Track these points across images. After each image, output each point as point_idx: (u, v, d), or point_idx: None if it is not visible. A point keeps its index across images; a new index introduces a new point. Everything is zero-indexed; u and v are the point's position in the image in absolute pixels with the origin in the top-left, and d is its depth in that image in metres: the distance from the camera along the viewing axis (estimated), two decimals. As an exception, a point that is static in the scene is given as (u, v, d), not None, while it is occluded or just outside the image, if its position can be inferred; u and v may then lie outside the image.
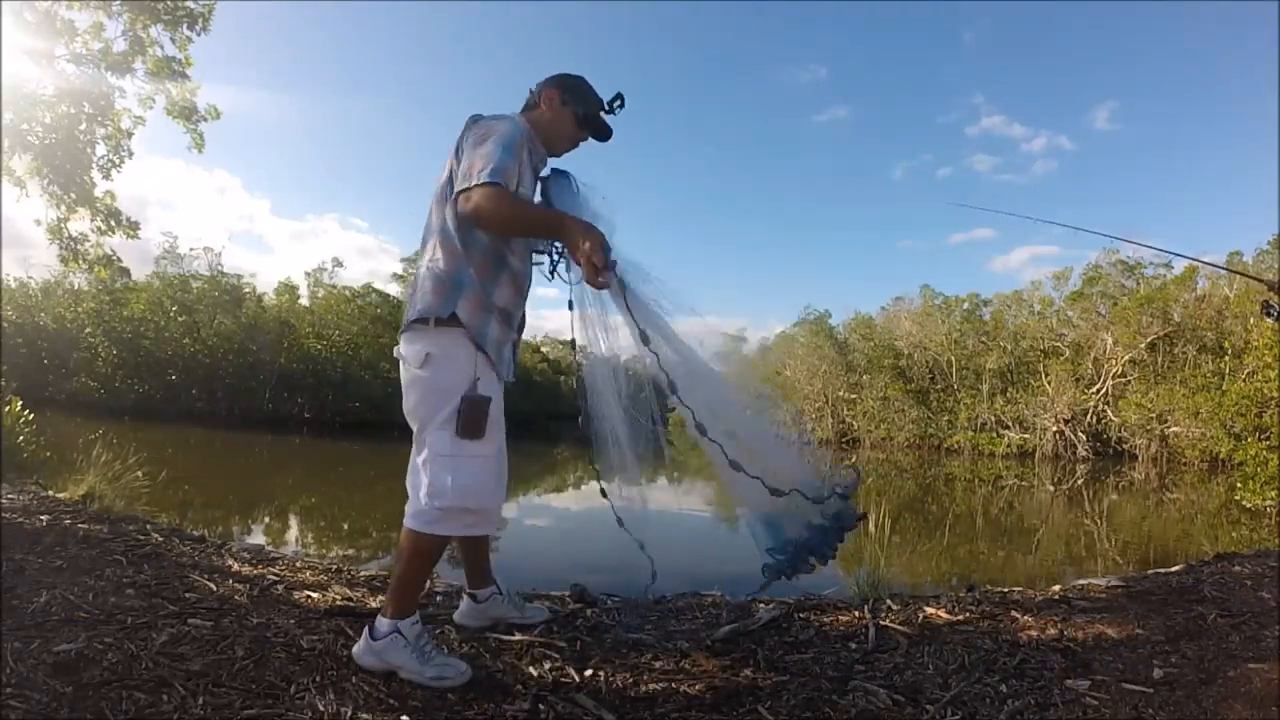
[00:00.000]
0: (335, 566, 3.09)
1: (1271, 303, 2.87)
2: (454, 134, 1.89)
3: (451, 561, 5.67)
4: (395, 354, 1.88)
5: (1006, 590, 3.11)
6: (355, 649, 1.78)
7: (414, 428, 1.82)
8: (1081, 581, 3.37)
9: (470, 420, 1.72)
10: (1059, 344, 24.87)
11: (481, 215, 1.71)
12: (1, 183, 6.79)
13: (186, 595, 2.25)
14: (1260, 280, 3.47)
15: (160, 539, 3.11)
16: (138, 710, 1.43)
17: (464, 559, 2.16)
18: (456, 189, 1.74)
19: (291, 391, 23.25)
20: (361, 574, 2.92)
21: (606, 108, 2.02)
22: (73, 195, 7.21)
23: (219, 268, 25.08)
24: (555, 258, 2.01)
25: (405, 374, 1.81)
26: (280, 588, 2.50)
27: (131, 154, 7.48)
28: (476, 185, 1.68)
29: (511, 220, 1.78)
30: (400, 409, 1.84)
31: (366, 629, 1.76)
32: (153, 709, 1.44)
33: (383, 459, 14.49)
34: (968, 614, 2.50)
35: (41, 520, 3.14)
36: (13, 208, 7.65)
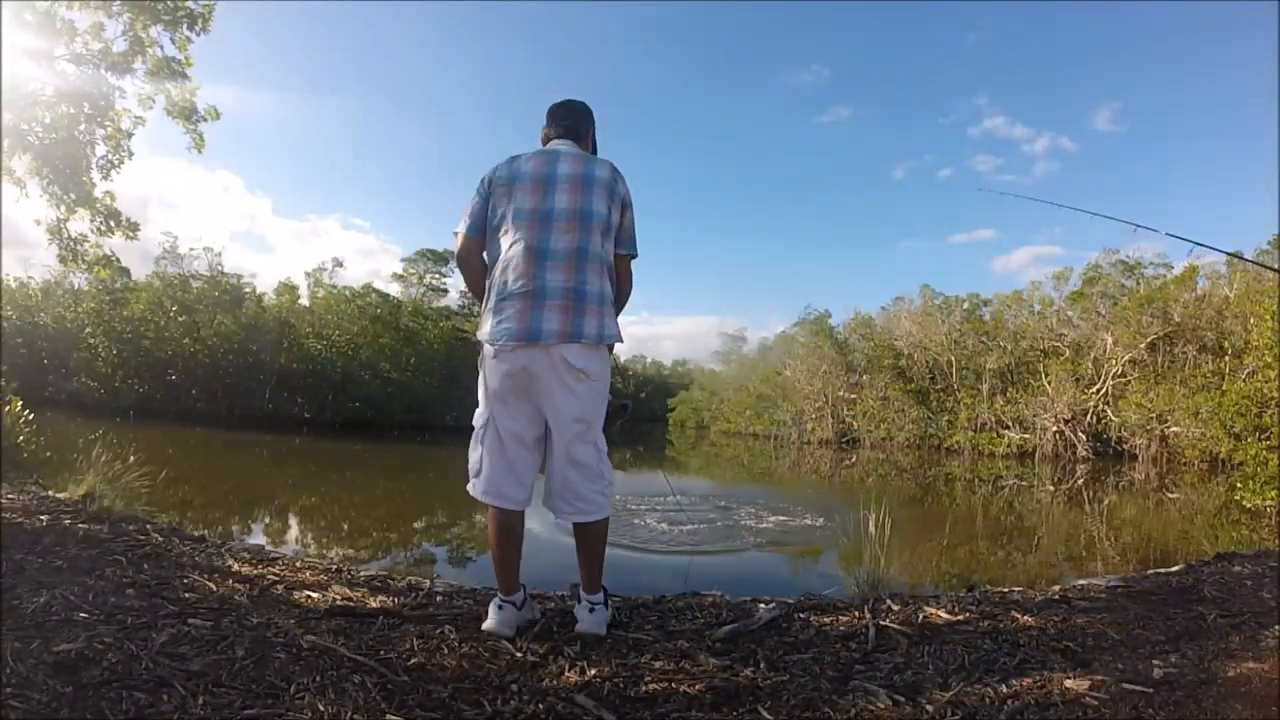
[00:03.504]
0: (335, 566, 3.10)
1: None
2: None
3: (451, 562, 5.66)
4: (565, 359, 2.04)
5: (1006, 590, 3.11)
6: (590, 625, 2.14)
7: (575, 433, 2.10)
8: (1081, 581, 3.37)
9: (612, 419, 2.24)
10: (1059, 344, 24.82)
11: (629, 284, 2.29)
12: (1, 183, 6.78)
13: (186, 595, 2.25)
14: (1272, 269, 3.39)
15: (160, 539, 3.11)
16: (138, 710, 1.43)
17: (509, 555, 2.26)
18: (633, 251, 2.25)
19: (291, 391, 23.23)
20: (361, 574, 2.92)
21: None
22: (72, 195, 7.21)
23: (219, 268, 25.10)
24: None
25: (585, 385, 2.08)
26: (280, 588, 2.50)
27: (132, 154, 7.49)
28: (635, 258, 2.27)
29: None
30: (398, 409, 1.90)
31: (595, 606, 2.17)
32: (153, 709, 1.44)
33: (383, 459, 14.48)
34: (968, 614, 2.50)
35: (41, 520, 3.14)
36: (13, 208, 7.64)
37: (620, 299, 2.25)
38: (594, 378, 2.08)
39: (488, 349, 2.11)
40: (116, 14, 7.08)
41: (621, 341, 2.19)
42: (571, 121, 2.32)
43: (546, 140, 2.32)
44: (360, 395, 23.06)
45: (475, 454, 2.18)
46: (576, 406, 2.07)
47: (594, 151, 2.39)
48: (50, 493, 4.12)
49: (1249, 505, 8.68)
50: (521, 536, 2.21)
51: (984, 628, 2.34)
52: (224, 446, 14.76)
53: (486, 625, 2.11)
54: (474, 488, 2.18)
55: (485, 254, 2.23)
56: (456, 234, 2.25)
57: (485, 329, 2.12)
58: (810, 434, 29.68)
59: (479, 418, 2.19)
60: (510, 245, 2.11)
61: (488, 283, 2.17)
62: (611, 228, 2.15)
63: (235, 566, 2.80)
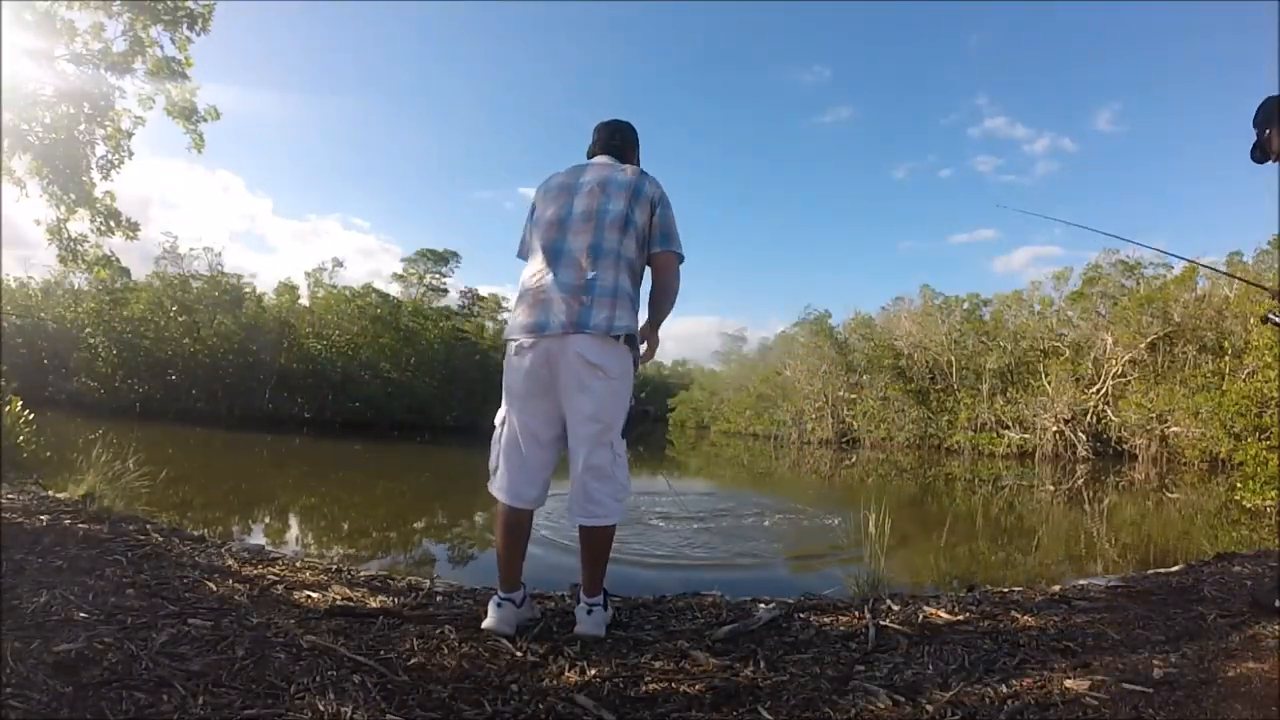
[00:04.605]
0: (335, 566, 3.10)
1: (1273, 314, 2.77)
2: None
3: (451, 562, 5.66)
4: (580, 354, 2.04)
5: (1006, 590, 3.11)
6: (588, 627, 2.10)
7: (590, 432, 2.08)
8: (1081, 581, 3.37)
9: (634, 424, 2.19)
10: (1059, 344, 24.79)
11: (673, 280, 2.26)
12: (1, 183, 6.78)
13: (186, 595, 2.25)
14: (1263, 288, 3.38)
15: (160, 539, 3.11)
16: (138, 710, 1.43)
17: (515, 553, 2.22)
18: (670, 246, 2.22)
19: (291, 391, 23.21)
20: (361, 574, 2.92)
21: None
22: (72, 195, 7.21)
23: (219, 268, 25.09)
24: None
25: (602, 384, 2.06)
26: (280, 588, 2.50)
27: (132, 154, 7.48)
28: (680, 254, 2.25)
29: (676, 296, 2.28)
30: (399, 409, 1.90)
31: (593, 608, 2.13)
32: (153, 709, 1.44)
33: (383, 459, 14.48)
34: (968, 614, 2.50)
35: (41, 520, 3.14)
36: (13, 208, 7.64)
37: (664, 296, 2.25)
38: (612, 376, 2.08)
39: (509, 345, 2.18)
40: (116, 14, 7.07)
41: (634, 334, 2.15)
42: (618, 141, 2.41)
43: (591, 156, 2.41)
44: (360, 395, 23.05)
45: (493, 451, 2.22)
46: (592, 405, 2.07)
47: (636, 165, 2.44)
48: (50, 493, 4.12)
49: (1249, 505, 8.68)
50: (529, 534, 2.24)
51: (984, 628, 2.34)
52: (224, 446, 14.76)
53: (486, 624, 2.11)
54: (491, 484, 2.23)
55: None
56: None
57: (508, 326, 2.22)
58: (810, 434, 29.65)
59: (499, 415, 2.23)
60: (532, 250, 2.23)
61: None
62: (633, 224, 2.17)
63: (235, 566, 2.80)
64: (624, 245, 2.15)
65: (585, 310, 2.06)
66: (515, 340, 2.14)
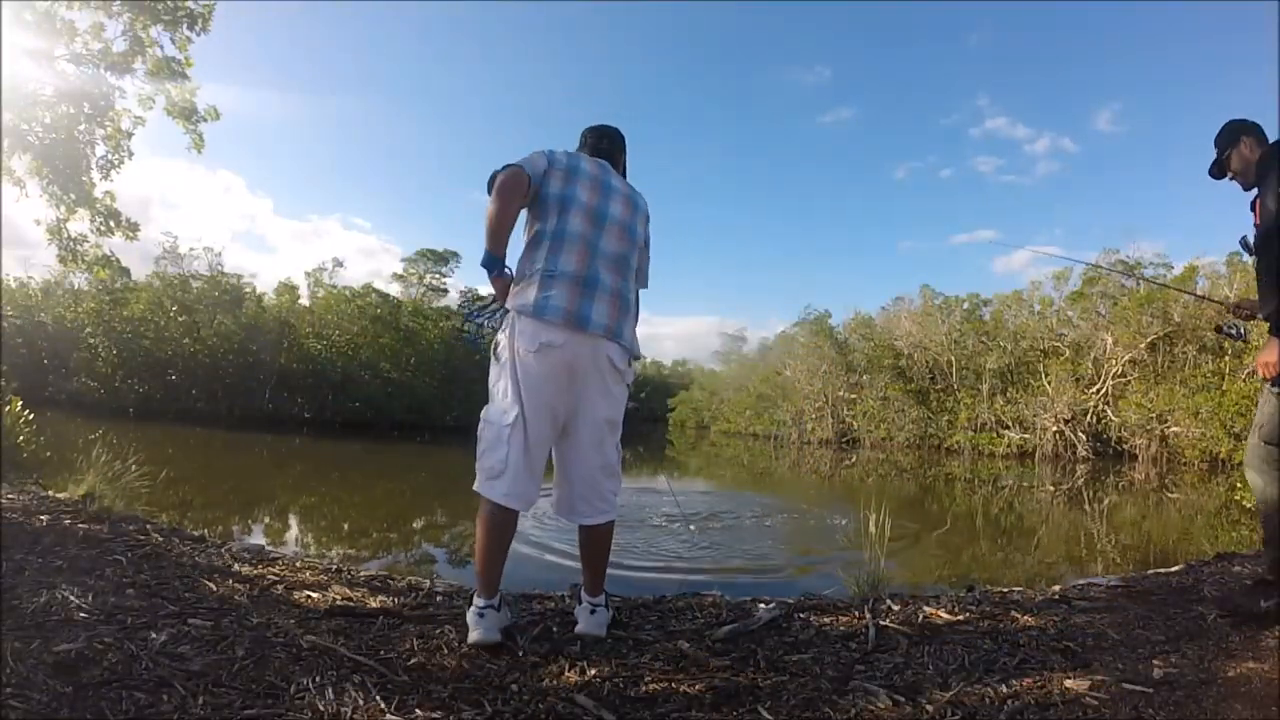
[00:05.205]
0: (335, 566, 3.10)
1: (1226, 325, 2.92)
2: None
3: (451, 562, 5.66)
4: (610, 359, 2.10)
5: (1006, 590, 3.11)
6: (591, 626, 2.12)
7: (605, 433, 2.16)
8: (1081, 581, 3.37)
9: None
10: (1059, 344, 24.78)
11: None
12: (1, 183, 6.79)
13: (186, 595, 2.25)
14: (1218, 302, 3.55)
15: (160, 539, 3.11)
16: (138, 710, 1.43)
17: (501, 558, 2.10)
18: (646, 285, 2.38)
19: (291, 391, 23.19)
20: (361, 574, 2.92)
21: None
22: (72, 195, 7.21)
23: (219, 267, 25.09)
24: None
25: (619, 388, 2.17)
26: (280, 588, 2.50)
27: (132, 154, 7.49)
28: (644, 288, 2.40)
29: None
30: (399, 409, 1.89)
31: (596, 608, 2.17)
32: (153, 709, 1.44)
33: (383, 459, 14.47)
34: (968, 614, 2.50)
35: (41, 520, 3.14)
36: (13, 208, 7.65)
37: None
38: (627, 384, 2.22)
39: (523, 335, 2.01)
40: (116, 14, 7.08)
41: (639, 358, 2.32)
42: (606, 145, 2.44)
43: None
44: (360, 395, 23.03)
45: (499, 453, 2.00)
46: (611, 408, 2.15)
47: (624, 176, 2.44)
48: (50, 493, 4.12)
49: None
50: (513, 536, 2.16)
51: (984, 628, 2.34)
52: (224, 446, 14.75)
53: (473, 637, 1.95)
54: (492, 489, 2.01)
55: (525, 210, 2.17)
56: (506, 166, 2.09)
57: (527, 299, 2.02)
58: (810, 434, 29.63)
59: (505, 414, 2.02)
60: (564, 227, 2.10)
61: (532, 256, 2.11)
62: (640, 253, 2.32)
63: (235, 566, 2.80)
64: (637, 267, 2.29)
65: (622, 320, 2.14)
66: (548, 333, 1.98)
